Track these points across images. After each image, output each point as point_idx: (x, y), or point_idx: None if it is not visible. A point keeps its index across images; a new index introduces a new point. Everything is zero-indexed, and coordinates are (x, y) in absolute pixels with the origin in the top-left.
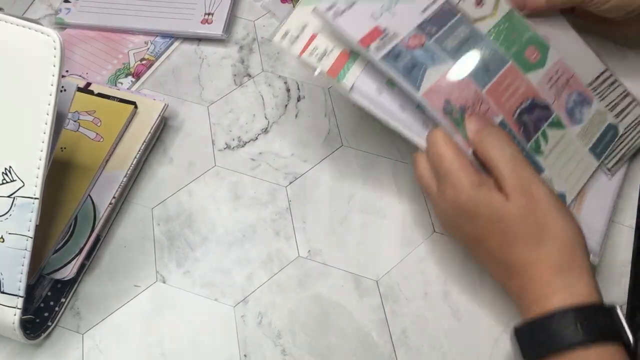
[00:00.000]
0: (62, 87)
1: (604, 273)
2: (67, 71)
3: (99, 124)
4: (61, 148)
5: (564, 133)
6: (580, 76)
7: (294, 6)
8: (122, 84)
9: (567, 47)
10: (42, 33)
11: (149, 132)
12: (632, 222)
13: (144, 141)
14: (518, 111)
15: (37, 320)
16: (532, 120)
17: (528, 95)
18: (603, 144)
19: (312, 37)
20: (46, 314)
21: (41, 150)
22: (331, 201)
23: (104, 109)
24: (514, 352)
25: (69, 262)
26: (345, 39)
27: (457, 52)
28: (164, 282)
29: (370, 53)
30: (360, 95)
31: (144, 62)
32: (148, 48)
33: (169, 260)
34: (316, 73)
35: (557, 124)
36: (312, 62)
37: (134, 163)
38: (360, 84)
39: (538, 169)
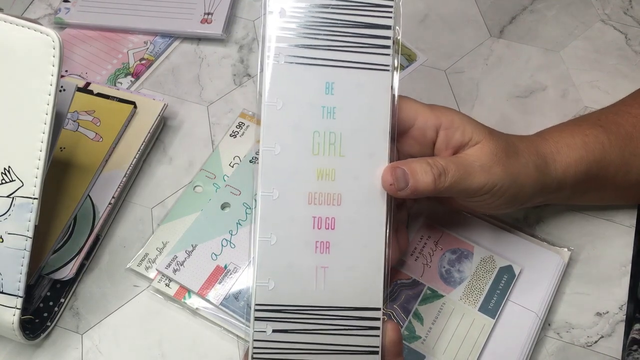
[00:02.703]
0: (62, 86)
1: (605, 273)
2: (66, 71)
3: (98, 124)
4: (60, 148)
5: (442, 303)
6: (452, 229)
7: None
8: (121, 83)
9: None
10: (41, 33)
11: (149, 132)
12: (632, 222)
13: (144, 141)
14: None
15: (37, 321)
16: (399, 306)
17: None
18: (497, 296)
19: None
20: (45, 314)
21: (40, 150)
22: None
23: (103, 108)
24: None
25: (68, 262)
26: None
27: None
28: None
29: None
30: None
31: (143, 61)
32: (147, 48)
33: None
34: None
35: (432, 297)
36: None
37: (133, 163)
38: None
39: (417, 357)
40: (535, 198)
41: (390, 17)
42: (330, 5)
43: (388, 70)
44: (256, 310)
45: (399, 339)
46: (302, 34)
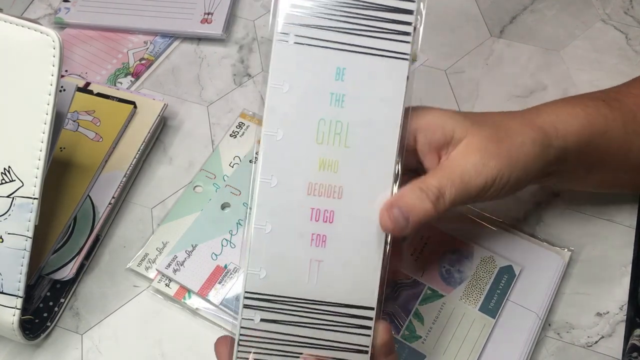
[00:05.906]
0: (62, 86)
1: (605, 273)
2: (66, 71)
3: (98, 124)
4: (60, 148)
5: (442, 302)
6: (452, 230)
7: None
8: (121, 83)
9: None
10: (41, 33)
11: (149, 132)
12: (632, 222)
13: (144, 141)
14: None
15: (37, 321)
16: (400, 306)
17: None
18: (497, 296)
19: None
20: (45, 314)
21: (40, 150)
22: None
23: (103, 108)
24: None
25: (68, 262)
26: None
27: None
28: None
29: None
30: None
31: (143, 61)
32: (147, 48)
33: None
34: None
35: (432, 297)
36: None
37: (133, 163)
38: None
39: (418, 357)
40: (540, 174)
41: (414, 1)
42: None
43: (406, 59)
44: (245, 297)
45: (390, 339)
46: (315, 13)
